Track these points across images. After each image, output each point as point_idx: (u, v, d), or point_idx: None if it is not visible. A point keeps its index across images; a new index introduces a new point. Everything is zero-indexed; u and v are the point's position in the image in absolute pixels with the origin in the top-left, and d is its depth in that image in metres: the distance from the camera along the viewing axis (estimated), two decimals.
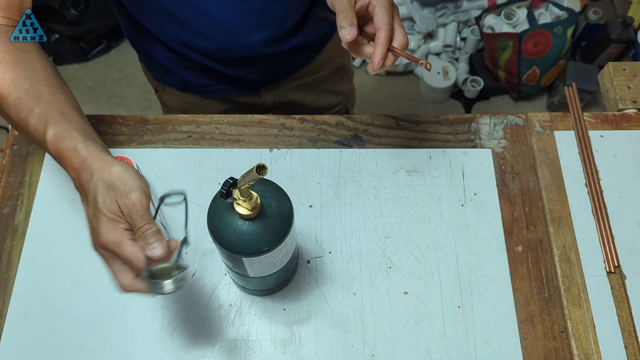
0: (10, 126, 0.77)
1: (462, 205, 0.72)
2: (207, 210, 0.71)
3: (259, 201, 0.50)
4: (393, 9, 0.58)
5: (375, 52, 0.56)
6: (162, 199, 0.52)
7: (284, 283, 0.66)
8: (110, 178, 0.49)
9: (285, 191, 0.55)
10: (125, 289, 0.49)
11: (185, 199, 0.52)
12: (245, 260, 0.53)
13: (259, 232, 0.51)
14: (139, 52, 0.89)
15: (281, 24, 0.77)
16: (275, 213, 0.52)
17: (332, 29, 0.89)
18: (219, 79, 0.86)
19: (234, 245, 0.52)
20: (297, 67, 0.91)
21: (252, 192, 0.50)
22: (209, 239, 0.69)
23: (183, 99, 0.93)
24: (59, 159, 0.54)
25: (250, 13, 0.73)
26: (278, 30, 0.77)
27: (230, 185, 0.49)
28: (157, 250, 0.47)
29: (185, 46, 0.78)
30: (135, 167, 0.68)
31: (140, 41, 0.84)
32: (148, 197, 0.50)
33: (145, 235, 0.47)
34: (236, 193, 0.49)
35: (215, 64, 0.82)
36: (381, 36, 0.56)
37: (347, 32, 0.56)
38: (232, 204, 0.50)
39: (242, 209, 0.50)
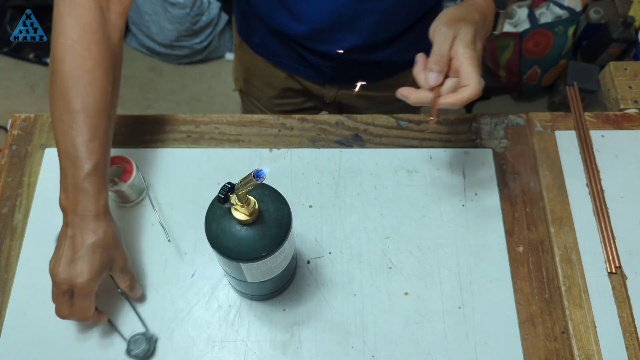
0: (9, 126, 0.77)
1: (463, 205, 0.72)
2: (205, 210, 0.71)
3: (256, 206, 0.50)
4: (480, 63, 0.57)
5: (449, 100, 0.57)
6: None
7: (283, 288, 0.66)
8: (111, 241, 0.59)
9: (284, 193, 0.55)
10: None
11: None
12: (244, 265, 0.53)
13: (257, 237, 0.51)
14: (235, 2, 0.90)
15: (373, 35, 0.76)
16: (273, 218, 0.52)
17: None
18: (294, 57, 0.86)
19: (231, 251, 0.51)
20: (372, 78, 0.90)
21: (249, 197, 0.49)
22: None
23: (254, 59, 0.93)
24: (75, 190, 0.57)
25: (339, 16, 0.73)
26: (368, 40, 0.76)
27: (227, 190, 0.48)
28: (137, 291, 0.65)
29: (276, 21, 0.78)
30: (134, 167, 0.68)
31: None
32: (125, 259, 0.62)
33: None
34: (234, 198, 0.48)
35: (296, 45, 0.82)
36: (467, 91, 0.56)
37: (434, 77, 0.57)
38: (229, 209, 0.50)
39: (239, 214, 0.50)
